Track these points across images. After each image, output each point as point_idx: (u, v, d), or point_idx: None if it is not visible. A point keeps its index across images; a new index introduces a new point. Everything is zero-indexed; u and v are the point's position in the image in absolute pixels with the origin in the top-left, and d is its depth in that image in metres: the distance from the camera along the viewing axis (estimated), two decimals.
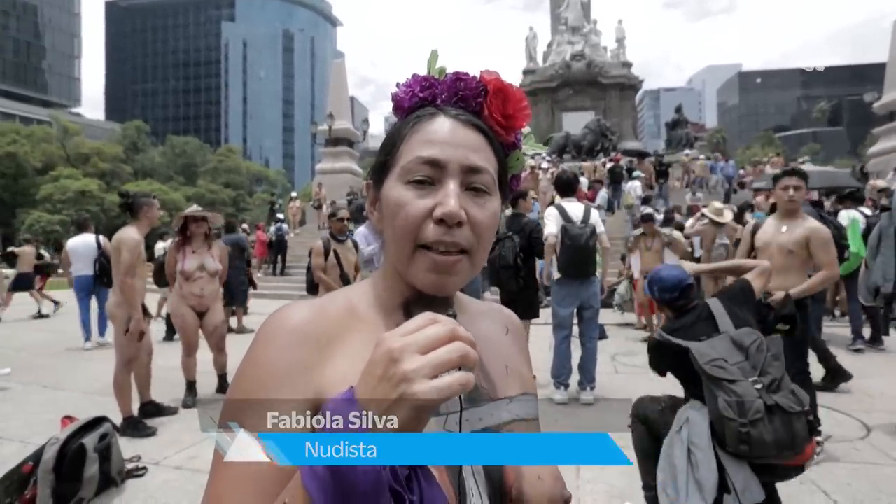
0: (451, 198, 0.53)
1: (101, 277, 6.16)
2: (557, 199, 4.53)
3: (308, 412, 0.50)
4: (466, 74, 0.59)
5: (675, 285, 2.16)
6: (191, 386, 4.09)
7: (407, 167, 0.55)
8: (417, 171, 0.54)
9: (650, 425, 2.15)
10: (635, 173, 14.59)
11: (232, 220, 9.14)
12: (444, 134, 0.55)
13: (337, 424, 0.39)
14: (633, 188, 12.89)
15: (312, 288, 4.26)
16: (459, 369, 0.40)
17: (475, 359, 0.41)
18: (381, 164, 0.59)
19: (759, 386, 1.68)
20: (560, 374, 4.03)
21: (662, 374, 2.15)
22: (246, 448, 0.48)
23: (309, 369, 0.52)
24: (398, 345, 0.39)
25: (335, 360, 0.53)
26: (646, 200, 12.30)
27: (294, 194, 18.89)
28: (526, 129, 0.63)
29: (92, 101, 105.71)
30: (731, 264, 2.58)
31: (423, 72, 0.61)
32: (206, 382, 4.38)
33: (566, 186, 4.24)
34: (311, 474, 0.38)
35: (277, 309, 0.56)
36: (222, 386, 4.27)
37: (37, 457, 2.37)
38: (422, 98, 0.59)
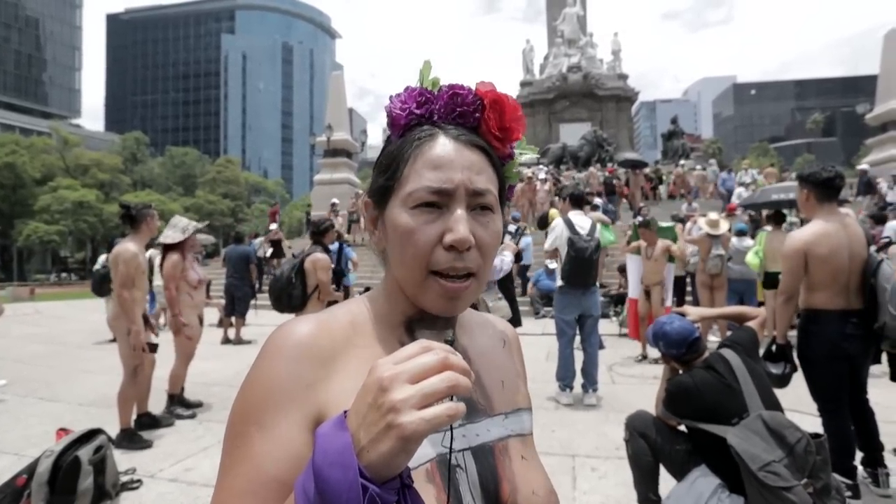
0: (460, 224, 0.53)
1: None
2: (562, 211, 4.66)
3: (310, 427, 0.51)
4: (462, 88, 0.58)
5: (681, 340, 2.07)
6: (182, 398, 4.09)
7: (414, 195, 0.55)
8: (425, 198, 0.54)
9: (651, 444, 2.13)
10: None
11: (240, 232, 9.18)
12: (448, 158, 0.55)
13: (326, 451, 0.39)
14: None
15: (299, 305, 3.79)
16: (452, 398, 0.40)
17: (467, 387, 0.40)
18: (384, 188, 0.58)
19: (810, 490, 1.61)
20: (565, 378, 4.25)
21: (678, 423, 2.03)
22: (248, 461, 0.49)
23: (312, 385, 0.52)
24: (388, 373, 0.39)
25: (338, 377, 0.53)
26: (638, 212, 12.30)
27: (335, 200, 15.97)
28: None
29: (92, 112, 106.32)
30: (735, 311, 2.50)
31: (432, 76, 0.60)
32: (202, 392, 4.37)
33: (578, 200, 4.52)
34: (303, 496, 0.39)
35: (282, 323, 0.57)
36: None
37: (31, 469, 2.36)
38: (419, 115, 0.58)
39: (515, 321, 4.38)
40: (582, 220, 4.26)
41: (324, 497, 0.37)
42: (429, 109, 0.58)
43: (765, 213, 8.99)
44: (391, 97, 0.59)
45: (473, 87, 0.58)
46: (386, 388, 0.39)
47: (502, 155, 0.60)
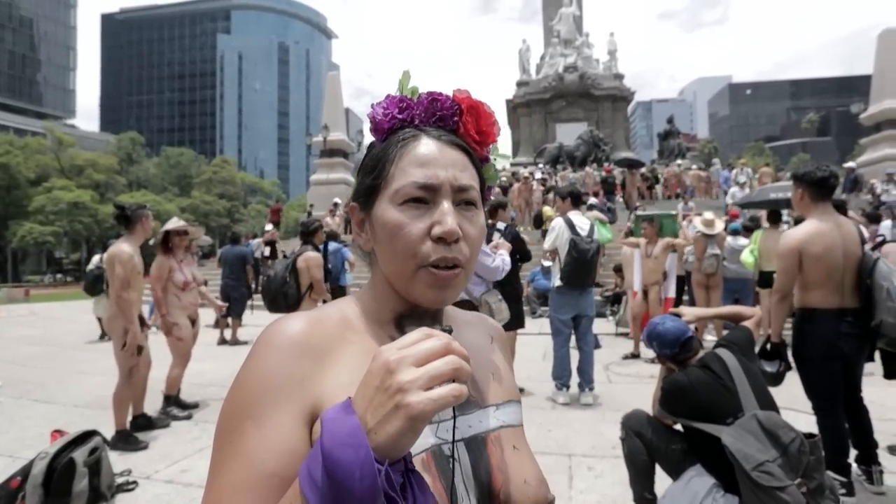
0: (448, 216, 0.55)
1: None
2: (562, 211, 4.65)
3: (305, 422, 0.51)
4: (441, 94, 0.61)
5: (674, 340, 2.09)
6: (178, 399, 4.08)
7: (401, 191, 0.56)
8: (412, 194, 0.56)
9: (647, 443, 2.13)
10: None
11: (236, 233, 9.19)
12: (432, 156, 0.57)
13: (334, 434, 0.40)
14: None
15: (295, 304, 3.81)
16: (454, 381, 0.41)
17: (468, 372, 0.42)
18: (370, 188, 0.60)
19: (804, 490, 1.61)
20: (561, 377, 4.27)
21: (674, 422, 2.04)
22: (242, 457, 0.49)
23: (305, 379, 0.52)
24: (395, 357, 0.41)
25: (332, 371, 0.54)
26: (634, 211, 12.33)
27: (338, 200, 15.59)
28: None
29: (87, 112, 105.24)
30: (730, 311, 2.51)
31: (410, 84, 0.63)
32: (198, 393, 4.36)
33: (577, 199, 4.54)
34: (308, 480, 0.39)
35: (274, 320, 0.58)
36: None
37: (25, 472, 2.35)
38: (401, 119, 0.60)
39: (518, 321, 4.35)
40: (581, 221, 4.26)
41: (334, 479, 0.37)
42: (410, 114, 0.60)
43: (762, 213, 9.01)
44: (373, 105, 0.62)
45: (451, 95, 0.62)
46: (393, 371, 0.40)
47: (480, 157, 0.63)
